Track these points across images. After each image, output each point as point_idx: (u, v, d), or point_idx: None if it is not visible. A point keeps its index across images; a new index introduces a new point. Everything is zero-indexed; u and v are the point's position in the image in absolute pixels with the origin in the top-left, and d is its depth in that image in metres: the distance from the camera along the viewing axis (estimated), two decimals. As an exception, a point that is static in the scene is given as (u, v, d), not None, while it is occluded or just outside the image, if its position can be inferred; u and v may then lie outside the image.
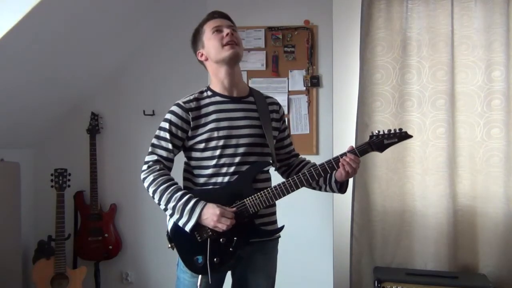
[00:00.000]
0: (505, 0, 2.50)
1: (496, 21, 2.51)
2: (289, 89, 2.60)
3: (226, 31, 1.55)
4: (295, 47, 2.60)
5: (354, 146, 1.54)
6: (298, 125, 2.59)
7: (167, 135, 1.52)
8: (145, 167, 1.52)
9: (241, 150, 1.53)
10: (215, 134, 1.52)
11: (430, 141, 2.60)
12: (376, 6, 2.63)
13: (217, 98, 1.58)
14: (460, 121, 2.58)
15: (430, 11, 2.59)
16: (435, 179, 2.59)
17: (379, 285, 2.36)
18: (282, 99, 2.59)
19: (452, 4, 2.56)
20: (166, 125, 1.53)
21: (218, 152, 1.52)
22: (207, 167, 1.54)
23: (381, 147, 1.53)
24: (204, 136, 1.52)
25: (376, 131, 1.55)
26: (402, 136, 1.53)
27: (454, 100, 2.58)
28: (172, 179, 1.51)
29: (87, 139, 2.94)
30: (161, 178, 1.48)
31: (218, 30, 1.56)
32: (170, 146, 1.52)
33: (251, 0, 2.61)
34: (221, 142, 1.52)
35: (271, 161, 1.62)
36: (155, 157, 1.52)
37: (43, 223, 2.91)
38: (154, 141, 1.55)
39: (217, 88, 1.60)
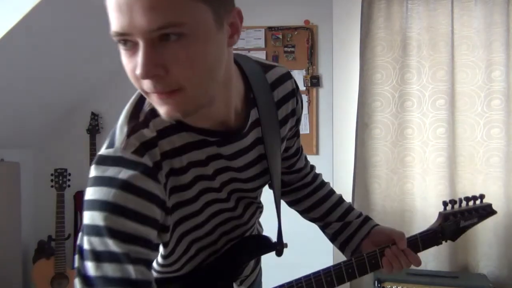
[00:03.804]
0: (505, 0, 2.50)
1: (496, 21, 2.51)
2: (289, 89, 2.60)
3: (139, 62, 0.61)
4: (295, 47, 2.60)
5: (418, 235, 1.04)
6: (298, 125, 2.59)
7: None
8: None
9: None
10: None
11: (430, 141, 2.60)
12: (376, 6, 2.63)
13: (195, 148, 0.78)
14: (460, 121, 2.58)
15: (430, 11, 2.59)
16: (435, 179, 2.59)
17: (379, 285, 2.36)
18: (282, 99, 2.59)
19: (452, 4, 2.56)
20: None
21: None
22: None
23: (457, 233, 1.10)
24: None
25: (449, 205, 1.09)
26: (486, 214, 1.13)
27: (454, 100, 2.58)
28: None
29: (87, 139, 2.93)
30: None
31: (123, 40, 0.63)
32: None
33: (251, 0, 2.61)
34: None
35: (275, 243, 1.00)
36: None
37: (43, 223, 2.91)
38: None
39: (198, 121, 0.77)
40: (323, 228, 1.13)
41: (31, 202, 2.97)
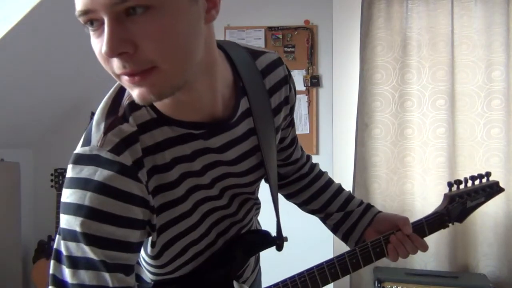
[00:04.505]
0: (505, 0, 2.50)
1: (496, 21, 2.51)
2: (289, 89, 2.60)
3: (104, 38, 0.58)
4: (295, 47, 2.60)
5: (424, 219, 1.00)
6: (298, 125, 2.59)
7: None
8: None
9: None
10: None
11: (430, 141, 2.60)
12: (376, 6, 2.63)
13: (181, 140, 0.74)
14: (460, 121, 2.59)
15: (430, 11, 2.59)
16: (435, 179, 2.59)
17: (379, 285, 2.36)
18: (282, 99, 2.59)
19: (452, 4, 2.56)
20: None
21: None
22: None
23: (464, 214, 1.04)
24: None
25: (455, 186, 1.04)
26: (493, 192, 1.11)
27: (454, 100, 2.58)
28: None
29: (87, 139, 2.94)
30: None
31: (89, 21, 0.60)
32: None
33: (251, 0, 2.61)
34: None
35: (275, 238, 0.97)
36: None
37: (43, 223, 2.91)
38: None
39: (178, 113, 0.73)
40: (324, 220, 1.10)
41: (31, 202, 2.97)
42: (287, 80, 0.88)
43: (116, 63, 0.59)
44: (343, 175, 2.65)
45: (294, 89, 0.92)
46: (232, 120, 0.77)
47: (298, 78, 2.59)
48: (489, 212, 2.55)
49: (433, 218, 1.01)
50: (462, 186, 1.05)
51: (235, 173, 0.82)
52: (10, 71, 2.28)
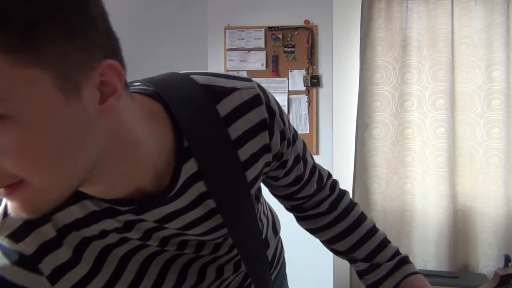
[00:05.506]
0: (505, 0, 2.50)
1: (496, 21, 2.51)
2: (289, 89, 2.60)
3: None
4: (295, 47, 2.60)
5: None
6: (298, 125, 2.59)
7: None
8: None
9: None
10: None
11: (430, 141, 2.60)
12: (376, 6, 2.63)
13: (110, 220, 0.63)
14: (460, 121, 2.59)
15: (430, 11, 2.59)
16: (435, 179, 2.59)
17: (379, 285, 2.36)
18: (282, 99, 2.59)
19: (452, 4, 2.56)
20: None
21: None
22: None
23: None
24: None
25: None
26: None
27: (454, 100, 2.58)
28: None
29: (87, 139, 2.93)
30: None
31: None
32: None
33: (251, 0, 2.61)
34: None
35: None
36: None
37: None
38: None
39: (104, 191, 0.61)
40: (349, 262, 0.94)
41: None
42: (266, 125, 0.68)
43: None
44: (343, 175, 2.65)
45: (281, 131, 0.71)
46: (169, 194, 0.62)
47: (298, 78, 2.59)
48: (489, 213, 2.56)
49: None
50: None
51: (190, 235, 0.69)
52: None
